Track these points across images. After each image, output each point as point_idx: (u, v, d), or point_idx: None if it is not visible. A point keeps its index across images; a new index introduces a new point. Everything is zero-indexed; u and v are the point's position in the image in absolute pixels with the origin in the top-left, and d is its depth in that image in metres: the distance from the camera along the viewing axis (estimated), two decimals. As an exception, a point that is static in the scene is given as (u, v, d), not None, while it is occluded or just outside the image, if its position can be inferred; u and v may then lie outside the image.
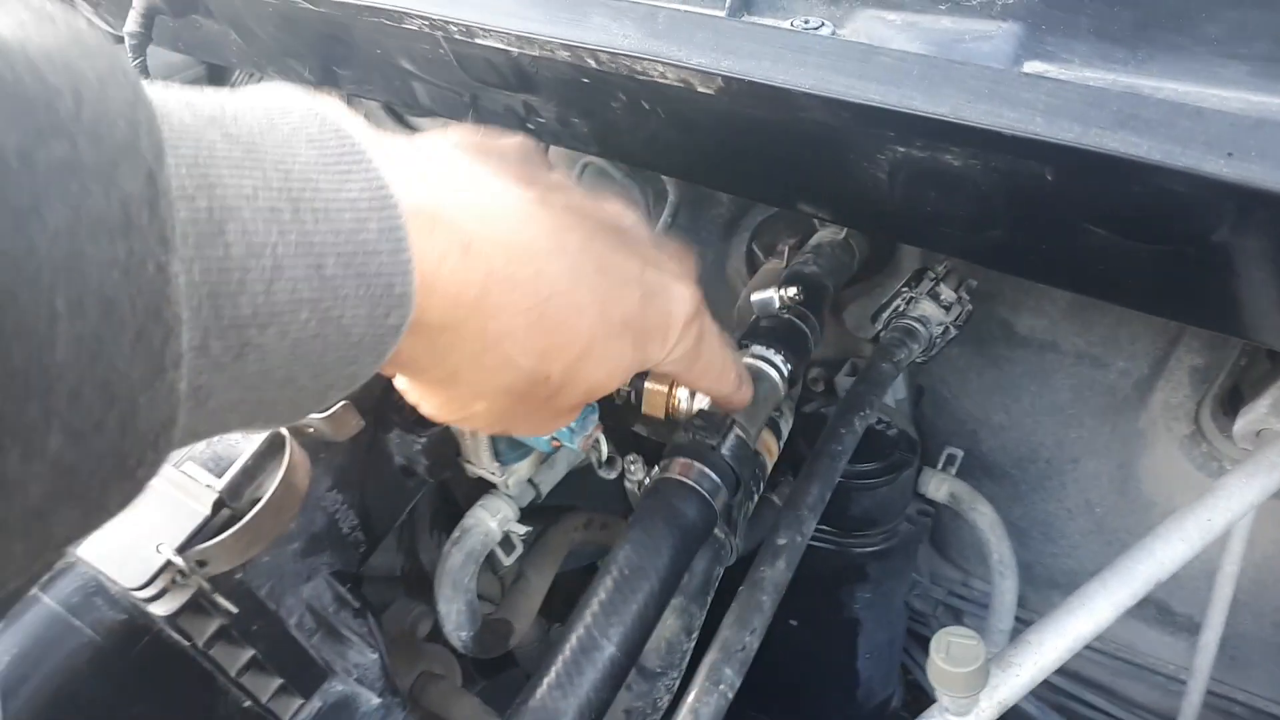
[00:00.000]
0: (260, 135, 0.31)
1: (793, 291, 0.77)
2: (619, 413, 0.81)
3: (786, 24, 0.55)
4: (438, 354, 0.39)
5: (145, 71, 0.88)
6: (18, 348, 0.24)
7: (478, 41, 0.63)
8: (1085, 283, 0.65)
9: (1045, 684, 1.06)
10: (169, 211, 0.27)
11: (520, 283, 0.39)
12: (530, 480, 0.69)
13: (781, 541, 0.61)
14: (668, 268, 0.47)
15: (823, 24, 0.54)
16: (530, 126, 0.79)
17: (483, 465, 0.65)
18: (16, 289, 0.24)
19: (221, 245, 0.29)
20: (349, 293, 0.33)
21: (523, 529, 0.67)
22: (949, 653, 0.55)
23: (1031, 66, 0.52)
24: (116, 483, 0.28)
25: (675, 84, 0.56)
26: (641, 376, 0.78)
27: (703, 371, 0.52)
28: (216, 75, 1.20)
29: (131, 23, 0.86)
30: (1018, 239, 0.61)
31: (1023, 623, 1.02)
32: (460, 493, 0.77)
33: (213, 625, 0.54)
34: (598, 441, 0.62)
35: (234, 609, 0.53)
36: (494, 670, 0.89)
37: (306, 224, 0.31)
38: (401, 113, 1.22)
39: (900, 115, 0.47)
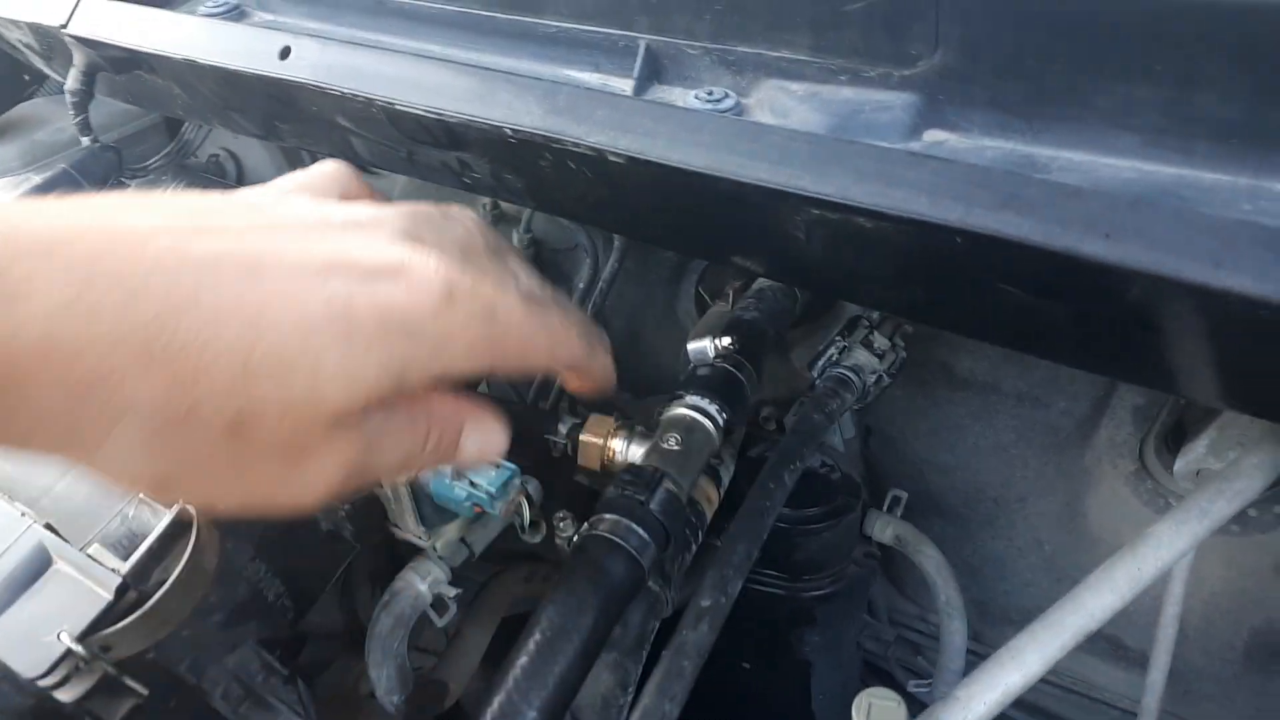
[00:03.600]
0: None
1: (727, 341, 0.78)
2: (558, 465, 0.81)
3: (692, 94, 0.55)
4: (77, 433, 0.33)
5: (88, 128, 0.88)
6: None
7: (399, 109, 0.63)
8: (1009, 338, 0.65)
9: (1001, 716, 1.06)
10: None
11: (126, 311, 0.32)
12: (463, 539, 0.69)
13: (705, 604, 0.61)
14: (388, 249, 0.39)
15: (726, 95, 0.54)
16: (466, 181, 0.80)
17: (409, 529, 0.65)
18: None
19: None
20: None
21: (454, 590, 0.67)
22: (870, 715, 0.55)
23: (930, 135, 0.52)
24: None
25: (589, 152, 0.56)
26: (578, 429, 0.78)
27: (523, 348, 0.43)
28: (173, 122, 1.21)
29: (72, 80, 0.87)
30: (937, 296, 0.62)
31: (976, 656, 1.02)
32: (400, 545, 0.77)
33: (126, 705, 0.54)
34: (520, 506, 0.62)
35: (144, 690, 0.53)
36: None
37: None
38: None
39: (790, 195, 0.48)
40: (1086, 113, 0.50)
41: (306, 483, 0.38)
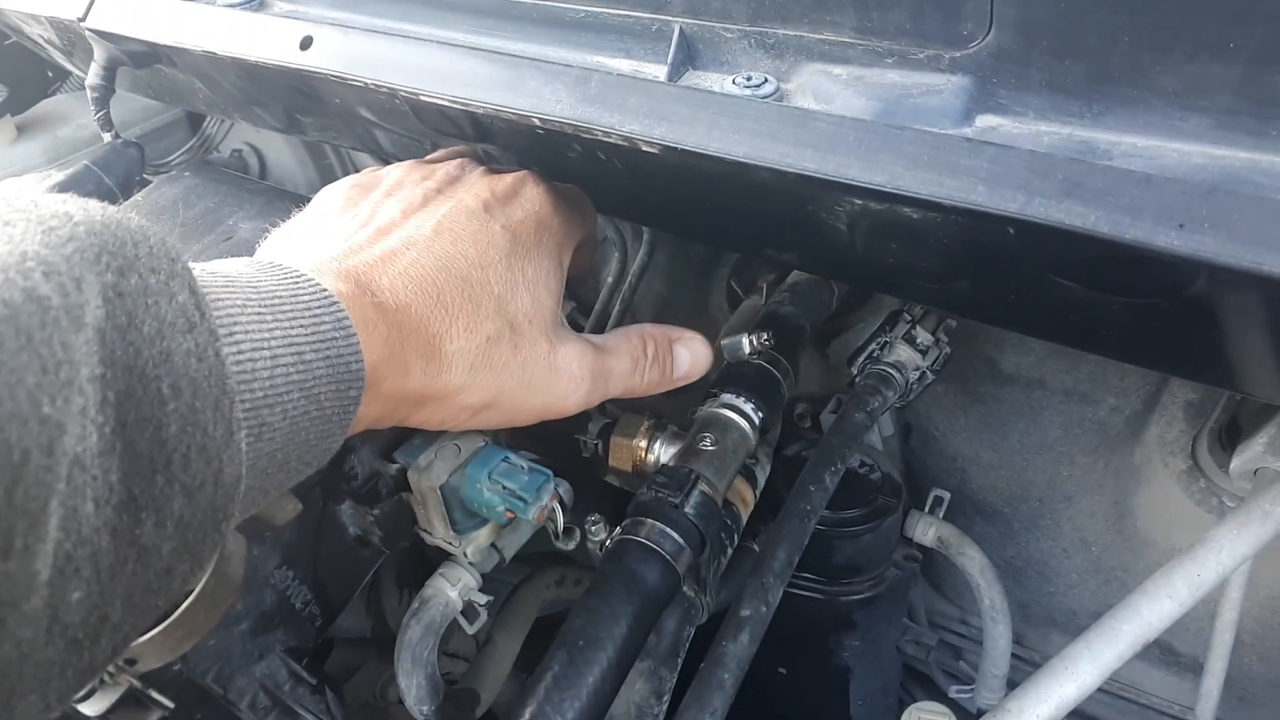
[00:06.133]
0: (232, 274, 0.41)
1: (764, 336, 0.75)
2: (589, 465, 0.79)
3: (730, 80, 0.53)
4: (413, 379, 0.49)
5: (109, 123, 0.87)
6: (141, 434, 0.31)
7: (424, 100, 0.61)
8: (1061, 333, 0.62)
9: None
10: (211, 313, 0.36)
11: (415, 302, 0.49)
12: (493, 545, 0.67)
13: (745, 613, 0.59)
14: (503, 187, 0.57)
15: (765, 80, 0.52)
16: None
17: (439, 535, 0.63)
18: (133, 387, 0.30)
19: (234, 344, 0.37)
20: (322, 373, 0.41)
21: (485, 597, 0.65)
22: (918, 730, 0.53)
23: (983, 120, 0.49)
24: (211, 534, 0.35)
25: (621, 142, 0.54)
26: (609, 428, 0.76)
27: (591, 216, 0.64)
28: (195, 117, 1.20)
29: (93, 75, 0.85)
30: (985, 290, 0.59)
31: (1020, 660, 0.99)
32: (429, 549, 0.75)
33: (151, 718, 0.52)
34: (553, 512, 0.60)
35: (170, 703, 0.51)
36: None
37: (283, 324, 0.40)
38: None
39: (838, 184, 0.45)
40: (1152, 94, 0.47)
41: (568, 378, 0.56)
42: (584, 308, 1.06)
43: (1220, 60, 0.44)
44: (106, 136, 0.85)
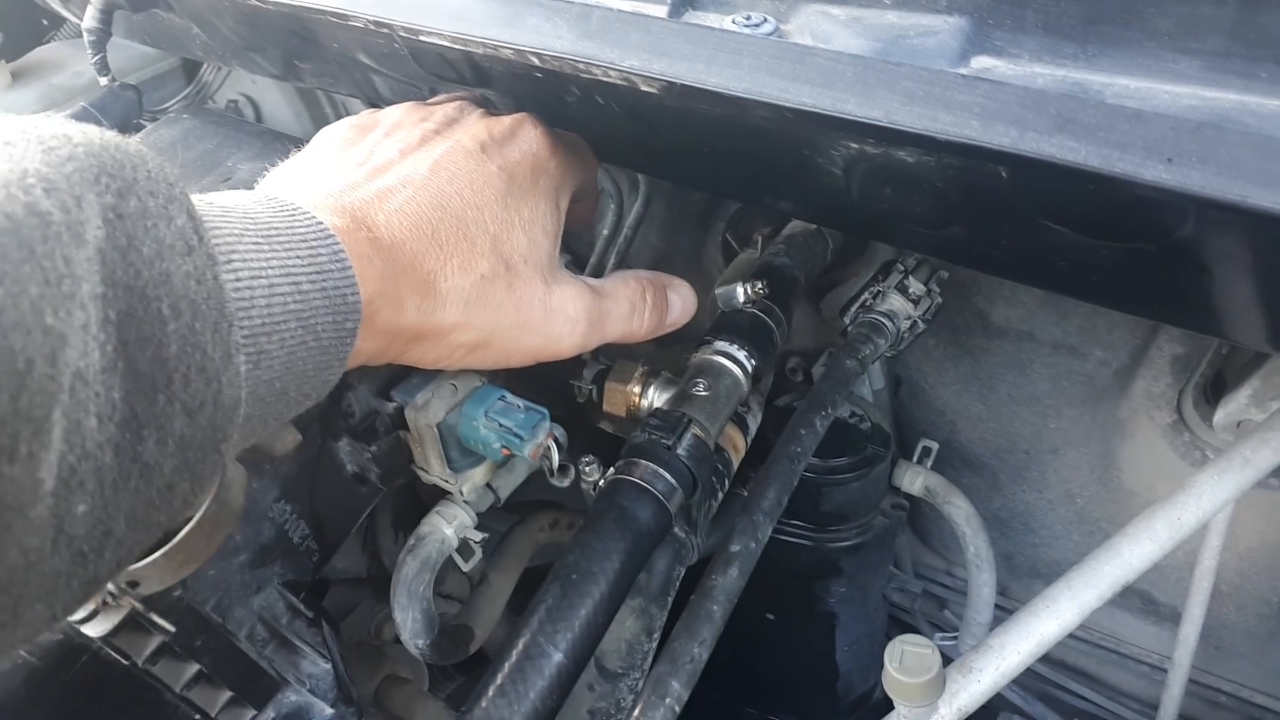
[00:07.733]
0: (229, 205, 0.42)
1: (758, 285, 0.76)
2: (583, 410, 0.80)
3: (729, 20, 0.53)
4: (407, 316, 0.49)
5: (105, 67, 0.87)
6: (142, 353, 0.31)
7: (423, 40, 0.61)
8: (1052, 280, 0.63)
9: (1028, 671, 1.05)
10: (209, 238, 0.36)
11: (410, 239, 0.49)
12: (488, 485, 0.68)
13: (735, 548, 0.60)
14: (501, 128, 0.57)
15: (765, 20, 0.52)
16: (490, 119, 0.78)
17: (435, 473, 0.64)
18: (133, 307, 0.31)
19: (232, 272, 0.38)
20: (319, 304, 0.42)
21: (480, 535, 0.67)
22: (902, 662, 0.54)
23: (979, 62, 0.50)
24: (211, 455, 0.36)
25: (620, 83, 0.54)
26: (603, 374, 0.77)
27: (591, 160, 0.65)
28: (191, 66, 1.19)
29: (89, 18, 0.85)
30: (978, 236, 0.59)
31: (1004, 610, 1.01)
32: (425, 491, 0.76)
33: (153, 642, 0.53)
34: (549, 450, 0.61)
35: (171, 627, 0.52)
36: (471, 666, 0.89)
37: (280, 254, 0.41)
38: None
39: (834, 119, 0.46)
40: (1145, 36, 0.47)
41: (564, 319, 0.56)
42: (579, 260, 1.06)
43: (1212, 1, 0.44)
44: (104, 81, 0.85)
